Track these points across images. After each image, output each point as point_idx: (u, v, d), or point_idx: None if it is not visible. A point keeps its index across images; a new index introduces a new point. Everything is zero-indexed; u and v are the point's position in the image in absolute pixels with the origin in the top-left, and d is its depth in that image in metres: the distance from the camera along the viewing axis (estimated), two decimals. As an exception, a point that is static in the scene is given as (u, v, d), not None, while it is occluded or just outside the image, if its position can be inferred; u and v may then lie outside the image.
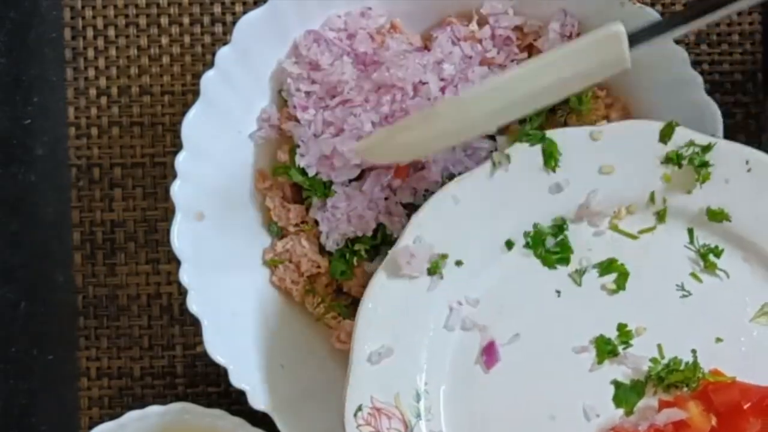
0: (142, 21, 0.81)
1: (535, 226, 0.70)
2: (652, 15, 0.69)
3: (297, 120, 0.74)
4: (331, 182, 0.74)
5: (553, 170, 0.68)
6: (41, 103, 0.80)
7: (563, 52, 0.65)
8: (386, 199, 0.73)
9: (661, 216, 0.70)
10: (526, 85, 0.65)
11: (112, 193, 0.80)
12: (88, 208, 0.80)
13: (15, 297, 0.79)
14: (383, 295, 0.67)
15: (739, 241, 0.69)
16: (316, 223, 0.75)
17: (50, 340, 0.79)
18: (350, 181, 0.74)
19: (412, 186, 0.73)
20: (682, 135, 0.68)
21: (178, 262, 0.70)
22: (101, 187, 0.80)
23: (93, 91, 0.81)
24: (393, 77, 0.71)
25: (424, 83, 0.72)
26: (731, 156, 0.68)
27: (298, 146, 0.74)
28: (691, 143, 0.68)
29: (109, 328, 0.80)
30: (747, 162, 0.68)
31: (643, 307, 0.69)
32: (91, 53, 0.81)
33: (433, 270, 0.68)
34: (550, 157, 0.68)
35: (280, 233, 0.76)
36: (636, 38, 0.65)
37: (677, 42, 0.70)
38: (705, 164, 0.68)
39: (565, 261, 0.70)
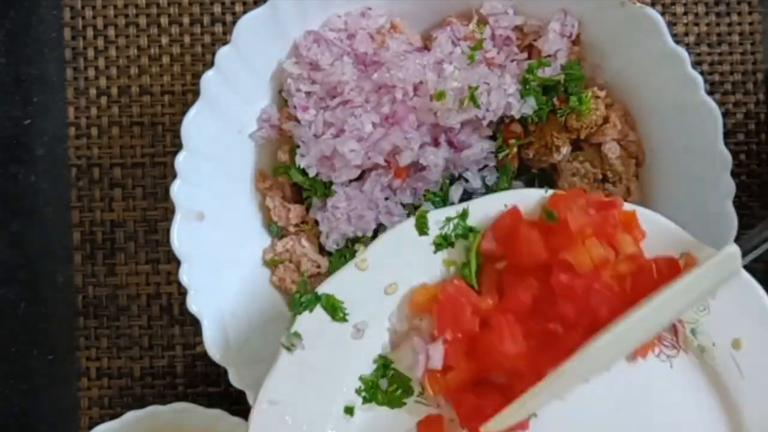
0: (142, 21, 0.81)
1: (361, 378, 0.66)
2: (653, 15, 0.69)
3: (297, 120, 0.74)
4: (331, 182, 0.74)
5: (345, 320, 0.65)
6: (41, 103, 0.80)
7: (680, 288, 0.63)
8: (386, 199, 0.73)
9: None
10: (642, 328, 0.63)
11: (112, 193, 0.80)
12: (88, 208, 0.80)
13: (15, 297, 0.79)
14: None
15: None
16: (316, 223, 0.75)
17: (50, 340, 0.79)
18: (350, 181, 0.74)
19: (412, 186, 0.73)
20: (434, 217, 0.66)
21: (178, 262, 0.70)
22: (101, 187, 0.80)
23: (93, 91, 0.81)
24: (393, 78, 0.71)
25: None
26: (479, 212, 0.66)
27: (299, 146, 0.74)
28: (447, 219, 0.66)
29: (109, 328, 0.80)
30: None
31: None
32: (91, 53, 0.81)
33: None
34: (336, 310, 0.65)
35: (280, 233, 0.77)
36: (747, 249, 0.64)
37: (677, 42, 0.70)
38: (470, 230, 0.66)
39: (409, 391, 0.66)
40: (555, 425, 0.66)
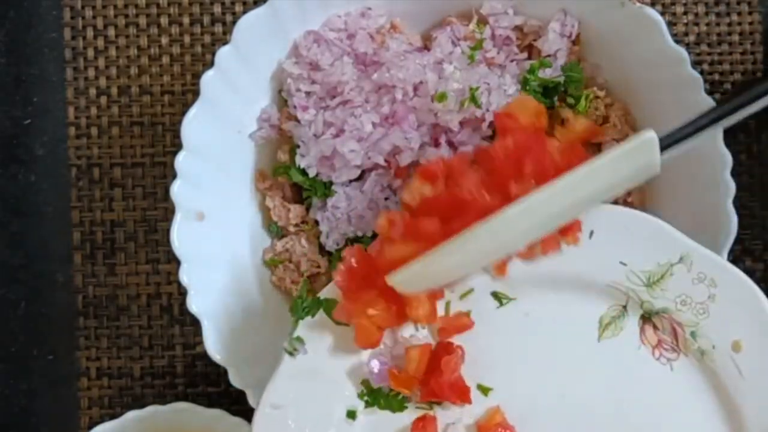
0: (142, 21, 0.81)
1: (363, 382, 0.66)
2: (653, 15, 0.69)
3: (297, 120, 0.74)
4: (331, 182, 0.74)
5: (347, 324, 0.65)
6: (41, 103, 0.80)
7: (595, 166, 0.63)
8: (386, 199, 0.73)
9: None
10: (558, 202, 0.63)
11: (112, 192, 0.80)
12: (88, 207, 0.80)
13: (15, 297, 0.79)
14: None
15: None
16: (316, 223, 0.75)
17: (50, 340, 0.79)
18: (350, 181, 0.74)
19: (411, 186, 0.73)
20: None
21: (178, 262, 0.70)
22: (101, 186, 0.80)
23: (93, 91, 0.81)
24: (393, 78, 0.71)
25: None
26: None
27: (298, 146, 0.74)
28: None
29: (109, 328, 0.80)
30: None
31: None
32: (91, 53, 0.81)
33: None
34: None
35: (280, 233, 0.77)
36: (667, 142, 0.64)
37: (677, 42, 0.70)
38: None
39: (411, 395, 0.66)
40: (553, 426, 0.66)
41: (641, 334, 0.67)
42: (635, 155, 0.64)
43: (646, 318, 0.67)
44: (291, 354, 0.65)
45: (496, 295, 0.67)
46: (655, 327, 0.67)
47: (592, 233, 0.66)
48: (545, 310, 0.67)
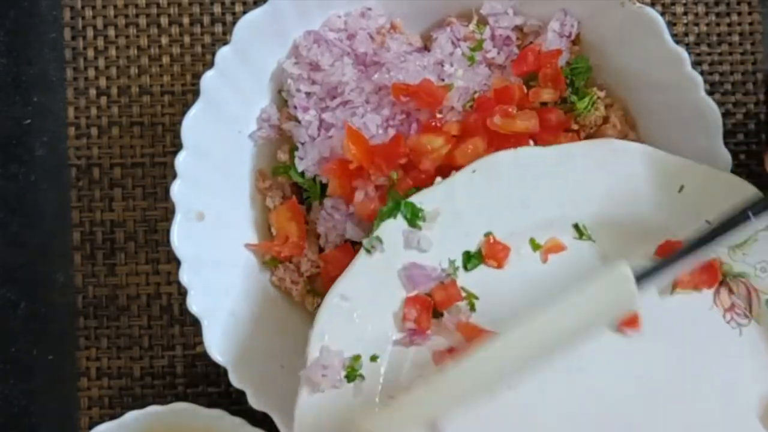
0: (142, 21, 0.81)
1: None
2: (653, 16, 0.69)
3: (297, 120, 0.74)
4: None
5: (419, 228, 0.66)
6: (41, 103, 0.80)
7: (570, 304, 0.63)
8: (386, 199, 0.73)
9: None
10: (532, 340, 0.63)
11: (112, 193, 0.80)
12: (88, 208, 0.80)
13: (15, 297, 0.79)
14: (311, 414, 0.65)
15: None
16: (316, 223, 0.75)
17: (50, 340, 0.79)
18: (350, 181, 0.74)
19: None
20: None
21: (178, 262, 0.70)
22: (101, 187, 0.80)
23: (93, 91, 0.81)
24: (393, 79, 0.71)
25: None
26: None
27: (297, 148, 0.74)
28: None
29: (109, 328, 0.80)
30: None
31: None
32: (90, 53, 0.81)
33: (352, 376, 0.66)
34: (415, 218, 0.66)
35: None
36: (643, 277, 0.63)
37: (677, 42, 0.70)
38: None
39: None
40: (617, 376, 0.65)
41: (715, 295, 0.67)
42: (613, 288, 0.63)
43: (723, 280, 0.67)
44: (368, 251, 0.66)
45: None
46: (730, 290, 0.67)
47: (682, 187, 0.66)
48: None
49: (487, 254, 0.67)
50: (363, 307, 0.66)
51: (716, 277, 0.66)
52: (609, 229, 0.67)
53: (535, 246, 0.68)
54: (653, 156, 0.67)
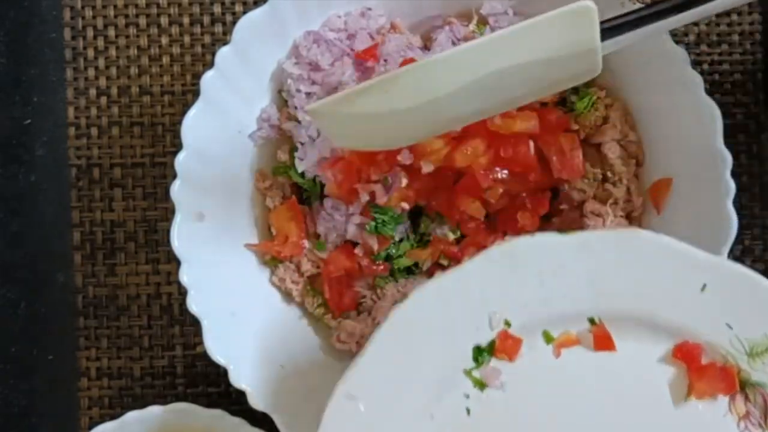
0: (142, 21, 0.81)
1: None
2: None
3: (297, 120, 0.74)
4: (330, 183, 0.74)
5: None
6: (41, 103, 0.80)
7: (523, 25, 0.60)
8: (386, 199, 0.73)
9: None
10: (488, 59, 0.60)
11: (112, 193, 0.80)
12: (88, 208, 0.80)
13: (15, 297, 0.79)
14: None
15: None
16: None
17: (50, 340, 0.79)
18: (350, 181, 0.74)
19: (411, 187, 0.73)
20: None
21: (178, 262, 0.70)
22: (101, 187, 0.80)
23: (93, 91, 0.81)
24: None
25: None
26: None
27: (297, 149, 0.74)
28: None
29: (109, 328, 0.80)
30: None
31: None
32: (91, 53, 0.81)
33: None
34: None
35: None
36: (611, 31, 0.61)
37: (677, 42, 0.70)
38: None
39: None
40: None
41: (730, 402, 0.65)
42: (571, 23, 0.59)
43: (740, 387, 0.65)
44: None
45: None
46: (747, 398, 0.65)
47: (704, 286, 0.63)
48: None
49: (499, 348, 0.64)
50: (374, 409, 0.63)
51: (734, 385, 0.64)
52: (624, 324, 0.65)
53: (548, 339, 0.65)
54: (678, 250, 0.64)
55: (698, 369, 0.64)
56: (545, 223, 0.76)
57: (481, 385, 0.65)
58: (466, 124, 0.66)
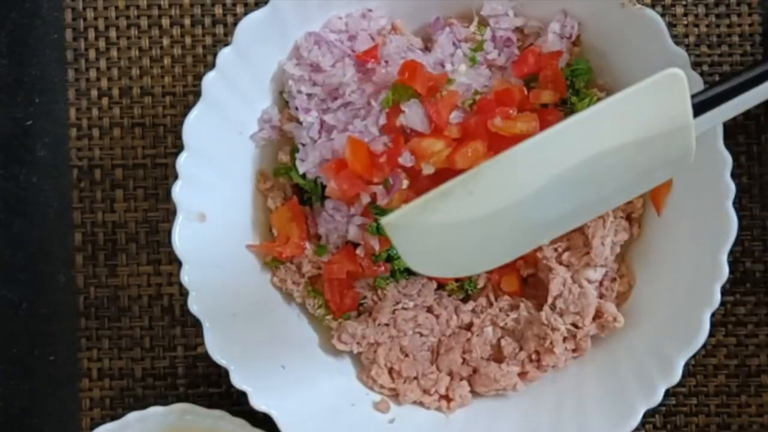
0: (144, 22, 0.81)
1: None
2: (653, 17, 0.69)
3: (298, 121, 0.74)
4: (331, 184, 0.74)
5: None
6: (42, 104, 0.81)
7: (609, 100, 0.55)
8: (387, 200, 0.73)
9: None
10: (573, 144, 0.55)
11: (114, 194, 0.80)
12: (90, 209, 0.80)
13: (16, 297, 0.80)
14: None
15: None
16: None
17: (51, 341, 0.80)
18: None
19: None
20: None
21: (179, 263, 0.70)
22: (102, 188, 0.80)
23: (94, 93, 0.81)
24: (392, 74, 0.72)
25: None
26: None
27: (298, 150, 0.74)
28: None
29: (111, 329, 0.80)
30: None
31: None
32: (92, 54, 0.81)
33: None
34: None
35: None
36: (702, 105, 0.57)
37: (677, 43, 0.70)
38: None
39: None
40: None
41: None
42: (659, 93, 0.54)
43: None
44: None
45: None
46: None
47: None
48: None
49: None
50: None
51: None
52: None
53: None
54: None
55: None
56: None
57: None
58: (553, 236, 0.59)
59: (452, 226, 0.55)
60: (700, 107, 0.59)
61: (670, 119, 0.56)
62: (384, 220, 0.55)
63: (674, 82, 0.55)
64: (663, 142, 0.56)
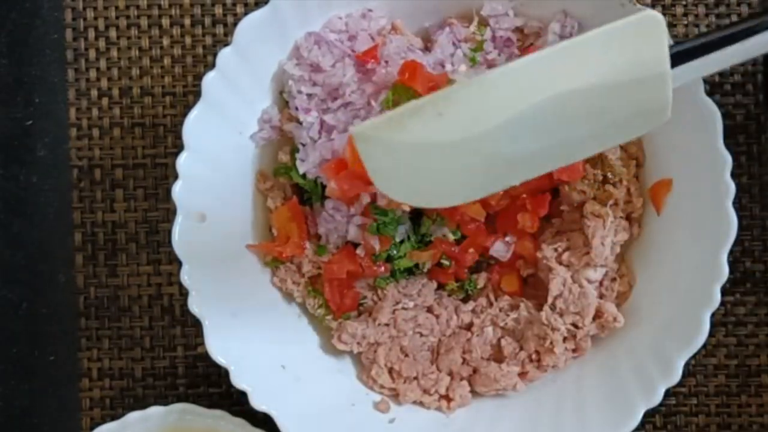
0: (144, 22, 0.81)
1: None
2: (655, 17, 0.69)
3: (298, 121, 0.74)
4: (331, 184, 0.74)
5: None
6: (42, 104, 0.81)
7: (585, 36, 0.54)
8: (387, 200, 0.73)
9: None
10: (543, 77, 0.53)
11: (114, 194, 0.80)
12: (90, 209, 0.80)
13: (16, 297, 0.80)
14: None
15: None
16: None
17: (52, 341, 0.80)
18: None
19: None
20: None
21: (179, 263, 0.70)
22: (102, 188, 0.80)
23: (94, 92, 0.81)
24: (392, 74, 0.72)
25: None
26: None
27: (298, 150, 0.74)
28: None
29: (111, 329, 0.80)
30: None
31: None
32: (92, 54, 0.81)
33: None
34: None
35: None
36: (680, 56, 0.55)
37: (677, 43, 0.70)
38: None
39: None
40: None
41: None
42: (636, 35, 0.52)
43: None
44: None
45: None
46: None
47: None
48: None
49: None
50: None
51: None
52: None
53: None
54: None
55: None
56: (545, 224, 0.76)
57: None
58: (524, 177, 0.57)
59: (420, 147, 0.54)
60: (679, 57, 0.57)
61: (646, 64, 0.54)
62: (353, 130, 0.55)
63: (652, 25, 0.53)
64: (637, 89, 0.55)
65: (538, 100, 0.54)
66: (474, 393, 0.76)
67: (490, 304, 0.77)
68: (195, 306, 0.70)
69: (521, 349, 0.75)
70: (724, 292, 0.71)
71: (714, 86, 0.82)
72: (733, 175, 0.69)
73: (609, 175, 0.74)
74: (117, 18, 0.81)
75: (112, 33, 0.81)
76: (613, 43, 0.54)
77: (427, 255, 0.74)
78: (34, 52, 0.81)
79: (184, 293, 0.71)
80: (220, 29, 0.81)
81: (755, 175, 0.81)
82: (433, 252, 0.74)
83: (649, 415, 0.72)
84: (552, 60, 0.54)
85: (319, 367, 0.76)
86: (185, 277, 0.70)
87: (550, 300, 0.74)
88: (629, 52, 0.54)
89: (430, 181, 0.57)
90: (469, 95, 0.54)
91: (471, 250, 0.74)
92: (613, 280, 0.75)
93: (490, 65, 0.75)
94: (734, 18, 0.82)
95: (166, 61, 0.81)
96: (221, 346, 0.70)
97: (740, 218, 0.70)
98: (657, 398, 0.69)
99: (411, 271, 0.76)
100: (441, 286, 0.77)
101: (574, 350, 0.75)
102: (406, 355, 0.76)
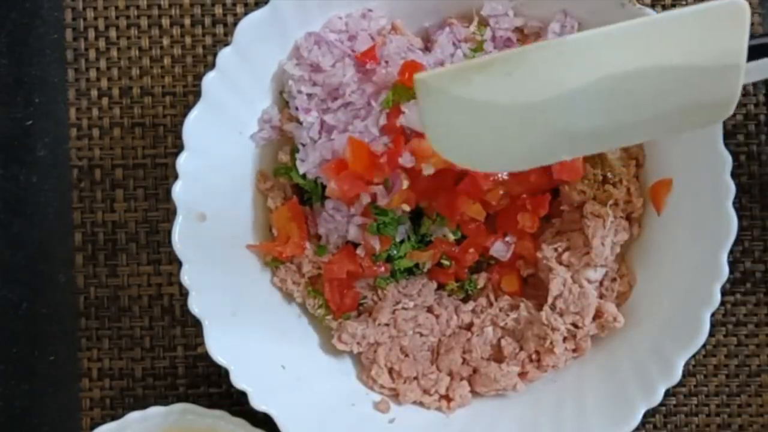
0: (144, 22, 0.81)
1: None
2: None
3: (298, 121, 0.74)
4: (331, 184, 0.74)
5: None
6: (42, 104, 0.81)
7: (666, 14, 0.51)
8: (387, 200, 0.73)
9: None
10: (621, 49, 0.52)
11: (114, 194, 0.80)
12: (90, 209, 0.80)
13: (16, 298, 0.80)
14: None
15: None
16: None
17: (51, 341, 0.80)
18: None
19: (413, 188, 0.73)
20: None
21: (179, 263, 0.70)
22: (102, 188, 0.80)
23: (94, 92, 0.81)
24: (392, 74, 0.72)
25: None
26: None
27: (298, 150, 0.74)
28: None
29: (111, 329, 0.80)
30: None
31: None
32: (92, 54, 0.81)
33: None
34: None
35: (281, 234, 0.77)
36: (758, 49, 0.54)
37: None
38: None
39: None
40: None
41: None
42: (718, 21, 0.50)
43: None
44: None
45: None
46: None
47: None
48: None
49: None
50: None
51: None
52: None
53: None
54: None
55: None
56: (545, 224, 0.76)
57: None
58: (579, 152, 0.56)
59: (482, 106, 0.52)
60: (756, 51, 0.55)
61: (723, 52, 0.52)
62: (417, 76, 0.52)
63: (737, 13, 0.51)
64: (710, 77, 0.53)
65: (612, 73, 0.52)
66: (474, 393, 0.76)
67: (490, 304, 0.77)
68: (195, 306, 0.70)
69: (521, 349, 0.75)
70: (724, 292, 0.71)
71: (714, 86, 0.82)
72: (733, 175, 0.69)
73: (609, 175, 0.75)
74: (117, 18, 0.81)
75: (112, 33, 0.81)
76: (695, 25, 0.52)
77: (427, 255, 0.74)
78: (34, 52, 0.81)
79: (184, 293, 0.71)
80: (220, 29, 0.81)
81: (755, 175, 0.81)
82: (433, 252, 0.74)
83: (649, 414, 0.72)
84: (631, 34, 0.52)
85: (319, 367, 0.76)
86: (185, 277, 0.70)
87: (550, 300, 0.74)
88: (710, 38, 0.52)
89: (484, 144, 0.55)
90: (542, 58, 0.52)
91: (471, 250, 0.74)
92: (613, 280, 0.75)
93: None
94: (734, 18, 0.82)
95: (166, 61, 0.81)
96: (221, 346, 0.70)
97: (740, 218, 0.70)
98: (657, 398, 0.69)
99: (411, 271, 0.76)
100: (441, 286, 0.77)
101: (574, 350, 0.75)
102: (406, 355, 0.76)
